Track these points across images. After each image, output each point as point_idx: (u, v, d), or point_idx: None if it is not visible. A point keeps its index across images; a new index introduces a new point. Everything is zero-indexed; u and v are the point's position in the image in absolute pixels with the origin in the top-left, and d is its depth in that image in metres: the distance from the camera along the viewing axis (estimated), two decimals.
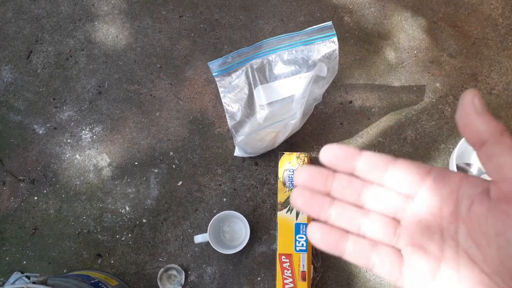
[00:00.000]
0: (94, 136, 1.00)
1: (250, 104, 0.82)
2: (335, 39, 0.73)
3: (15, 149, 1.00)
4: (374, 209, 0.25)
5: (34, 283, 0.66)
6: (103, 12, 1.07)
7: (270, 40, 0.79)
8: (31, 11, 1.07)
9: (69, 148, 0.99)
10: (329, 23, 0.73)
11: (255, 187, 0.95)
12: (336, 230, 0.25)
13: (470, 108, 0.21)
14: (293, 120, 0.84)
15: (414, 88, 0.98)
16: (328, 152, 0.25)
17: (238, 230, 0.92)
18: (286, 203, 0.86)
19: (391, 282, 0.27)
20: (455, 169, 0.87)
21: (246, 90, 0.82)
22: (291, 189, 0.87)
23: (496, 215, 0.20)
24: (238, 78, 0.82)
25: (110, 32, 1.06)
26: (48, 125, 1.01)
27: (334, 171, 0.26)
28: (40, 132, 1.00)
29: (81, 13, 1.07)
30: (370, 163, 0.25)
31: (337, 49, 0.73)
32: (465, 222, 0.21)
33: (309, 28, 0.74)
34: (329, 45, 0.74)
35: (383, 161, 0.24)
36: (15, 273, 0.91)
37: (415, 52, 1.00)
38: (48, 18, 1.07)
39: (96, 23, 1.06)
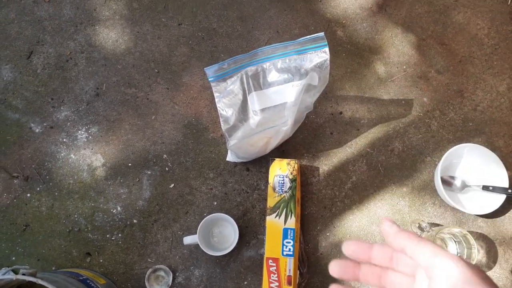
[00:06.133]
0: (90, 137, 1.01)
1: (243, 109, 0.85)
2: (326, 49, 0.77)
3: (11, 146, 1.01)
4: None
5: (23, 274, 0.67)
6: (104, 17, 1.10)
7: (265, 49, 0.82)
8: (33, 13, 1.10)
9: (65, 147, 1.01)
10: (321, 34, 0.76)
11: (245, 192, 0.97)
12: None
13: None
14: (284, 127, 0.87)
15: (403, 101, 1.02)
16: (349, 247, 0.35)
17: (227, 235, 0.94)
18: (275, 208, 0.88)
19: None
20: (439, 182, 0.90)
21: (240, 96, 0.84)
22: (281, 194, 0.89)
23: None
24: (233, 84, 0.84)
25: (110, 37, 1.09)
26: (45, 124, 1.03)
27: (358, 262, 0.35)
28: (37, 130, 1.02)
29: (82, 17, 1.10)
30: (380, 254, 0.34)
31: (329, 59, 0.77)
32: None
33: (302, 38, 0.78)
34: (321, 55, 0.77)
35: (389, 251, 0.34)
36: (3, 268, 0.92)
37: (404, 67, 1.04)
38: (50, 20, 1.10)
39: (97, 27, 1.09)
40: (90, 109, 1.03)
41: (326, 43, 0.76)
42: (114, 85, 1.05)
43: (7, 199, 0.98)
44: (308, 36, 0.77)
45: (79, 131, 1.02)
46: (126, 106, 1.03)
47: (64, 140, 1.01)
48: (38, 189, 0.98)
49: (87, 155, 1.00)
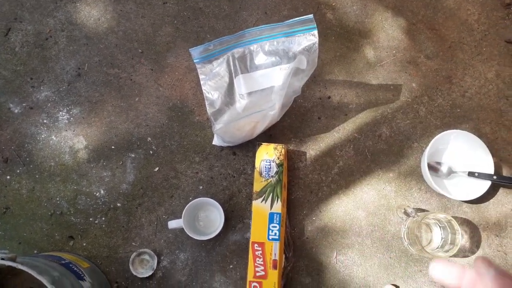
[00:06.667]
0: (72, 118, 0.98)
1: (230, 92, 0.83)
2: (315, 32, 0.75)
3: None
4: None
5: (2, 259, 0.66)
6: None
7: (252, 30, 0.79)
8: None
9: (45, 128, 0.98)
10: (310, 16, 0.74)
11: (232, 176, 0.96)
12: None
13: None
14: (272, 111, 0.85)
15: (391, 87, 1.01)
16: (437, 270, 0.34)
17: (213, 219, 0.93)
18: (262, 193, 0.87)
19: None
20: (426, 168, 0.90)
21: (226, 79, 0.82)
22: (267, 179, 0.88)
23: None
24: (219, 66, 0.82)
25: (92, 15, 1.05)
26: (24, 104, 0.99)
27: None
28: (16, 111, 0.99)
29: None
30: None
31: (317, 42, 0.75)
32: None
33: (290, 20, 0.76)
34: (309, 38, 0.75)
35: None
36: None
37: (394, 52, 1.03)
38: None
39: (78, 4, 1.05)
40: (72, 89, 1.00)
41: (315, 25, 0.74)
42: (96, 65, 1.01)
43: None
44: (296, 18, 0.75)
45: (60, 112, 0.99)
46: (109, 87, 1.00)
47: (45, 121, 0.98)
48: (18, 171, 0.96)
49: (68, 137, 0.97)
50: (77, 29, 1.04)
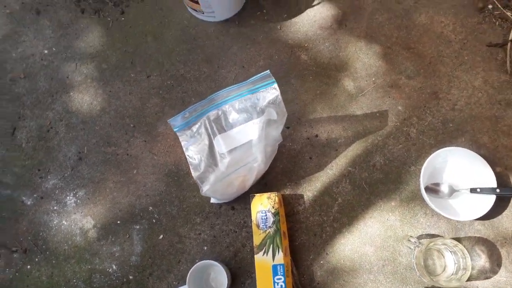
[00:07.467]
0: (78, 201, 1.04)
1: (211, 154, 0.85)
2: (275, 85, 0.77)
3: (7, 222, 1.05)
4: None
5: None
6: (77, 82, 1.14)
7: (220, 93, 0.83)
8: (11, 90, 1.15)
9: (56, 215, 1.04)
10: (267, 72, 0.76)
11: (234, 232, 0.97)
12: None
13: None
14: (255, 163, 0.87)
15: (377, 114, 1.00)
16: None
17: (222, 278, 0.93)
18: (262, 246, 0.87)
19: None
20: (424, 191, 0.87)
21: (206, 141, 0.85)
22: (265, 230, 0.88)
23: None
24: (198, 131, 0.86)
25: (85, 100, 1.12)
26: (35, 195, 1.06)
27: None
28: (29, 203, 1.06)
29: (57, 86, 1.14)
30: None
31: (279, 94, 0.77)
32: None
33: (252, 78, 0.79)
34: (272, 92, 0.78)
35: None
36: None
37: (373, 79, 1.03)
38: (28, 95, 1.15)
39: (71, 93, 1.13)
40: (75, 173, 1.06)
41: (274, 80, 0.76)
42: (94, 146, 1.08)
43: (10, 274, 1.01)
44: (256, 76, 0.78)
45: (68, 197, 1.05)
46: (108, 165, 1.06)
47: (55, 208, 1.04)
48: (36, 259, 1.01)
49: (78, 219, 1.03)
50: (73, 116, 1.11)
